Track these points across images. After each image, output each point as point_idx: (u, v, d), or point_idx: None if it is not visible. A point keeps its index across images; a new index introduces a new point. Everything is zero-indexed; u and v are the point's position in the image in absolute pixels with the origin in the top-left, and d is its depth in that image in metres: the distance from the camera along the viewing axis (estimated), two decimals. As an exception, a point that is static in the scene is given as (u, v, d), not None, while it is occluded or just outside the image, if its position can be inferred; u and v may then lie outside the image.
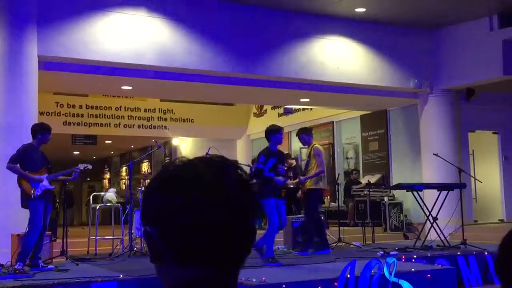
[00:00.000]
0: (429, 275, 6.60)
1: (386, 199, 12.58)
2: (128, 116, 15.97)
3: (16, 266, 6.63)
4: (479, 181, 11.24)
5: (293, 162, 11.72)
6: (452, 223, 9.47)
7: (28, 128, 7.40)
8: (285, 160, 13.08)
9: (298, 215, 10.10)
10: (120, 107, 15.89)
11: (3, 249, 7.61)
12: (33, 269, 6.78)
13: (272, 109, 16.89)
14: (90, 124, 15.57)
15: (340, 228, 10.10)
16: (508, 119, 13.52)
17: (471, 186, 12.13)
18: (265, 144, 7.96)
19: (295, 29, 10.87)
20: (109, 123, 15.78)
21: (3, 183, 7.83)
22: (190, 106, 16.30)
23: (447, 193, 9.32)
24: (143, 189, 8.74)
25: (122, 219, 9.65)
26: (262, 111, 17.35)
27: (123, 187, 21.36)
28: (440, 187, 9.58)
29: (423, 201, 9.34)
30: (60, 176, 7.54)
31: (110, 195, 11.41)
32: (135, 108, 16.05)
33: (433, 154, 10.26)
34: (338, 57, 11.29)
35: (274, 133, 7.67)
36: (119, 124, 15.90)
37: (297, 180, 9.46)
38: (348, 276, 5.98)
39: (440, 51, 12.10)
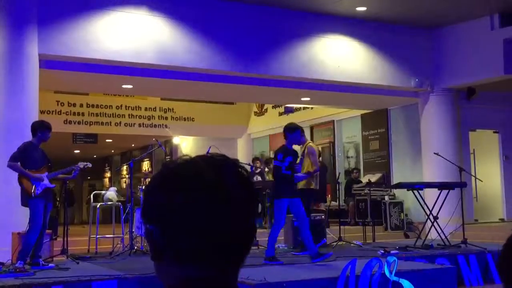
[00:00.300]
0: (429, 274, 6.60)
1: (386, 198, 12.58)
2: (129, 114, 15.97)
3: (16, 265, 6.63)
4: (480, 180, 11.24)
5: None
6: (452, 222, 9.46)
7: (29, 127, 7.40)
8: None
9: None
10: (121, 105, 15.89)
11: (3, 247, 7.61)
12: (34, 268, 6.77)
13: (272, 108, 16.89)
14: (91, 123, 15.57)
15: (341, 227, 10.09)
16: (509, 118, 13.52)
17: (472, 185, 12.12)
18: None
19: (296, 27, 10.86)
20: (110, 122, 15.79)
21: (3, 182, 7.84)
22: (191, 105, 16.30)
23: (448, 192, 9.31)
24: (143, 187, 8.75)
25: (123, 217, 9.65)
26: (263, 110, 17.35)
27: (124, 185, 21.37)
28: (440, 186, 9.57)
29: (423, 200, 9.33)
30: (60, 174, 7.53)
31: (111, 193, 11.41)
32: (135, 106, 16.05)
33: (434, 153, 10.26)
34: (339, 56, 11.29)
35: (290, 132, 7.54)
36: (120, 122, 15.90)
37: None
38: (349, 275, 5.98)
39: (441, 50, 12.10)
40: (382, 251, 8.29)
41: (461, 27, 11.75)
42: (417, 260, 7.74)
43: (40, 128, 7.17)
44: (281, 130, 7.72)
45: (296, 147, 7.89)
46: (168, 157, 17.64)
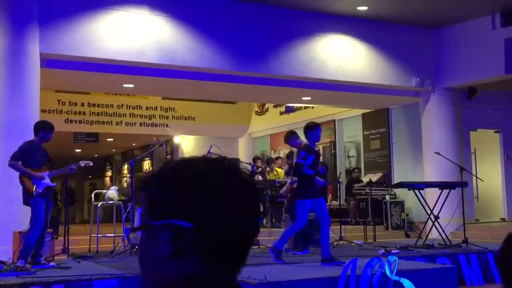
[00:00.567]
0: (430, 274, 6.60)
1: (387, 197, 12.58)
2: (130, 114, 15.98)
3: (17, 264, 6.63)
4: (481, 179, 11.23)
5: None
6: (453, 222, 9.46)
7: (30, 126, 7.40)
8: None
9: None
10: (122, 105, 15.90)
11: (5, 246, 7.62)
12: (35, 267, 6.78)
13: (273, 107, 16.89)
14: (92, 122, 15.58)
15: (342, 226, 10.10)
16: (510, 118, 13.51)
17: (473, 184, 12.12)
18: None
19: (297, 27, 10.86)
20: (111, 121, 15.80)
21: (5, 181, 7.85)
22: (192, 104, 16.30)
23: (449, 192, 9.31)
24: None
25: (124, 216, 9.66)
26: (264, 109, 17.35)
27: (125, 185, 21.38)
28: (441, 185, 9.57)
29: (424, 200, 9.33)
30: (61, 173, 7.54)
31: (112, 193, 11.40)
32: (137, 106, 16.06)
33: (435, 152, 10.26)
34: (340, 55, 11.28)
35: (310, 130, 7.43)
36: (121, 122, 15.91)
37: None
38: (349, 274, 5.98)
39: (442, 49, 12.09)
40: (383, 251, 8.29)
41: (463, 26, 11.74)
42: (418, 259, 7.74)
43: (43, 128, 7.18)
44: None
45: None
46: (169, 156, 17.65)
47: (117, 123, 15.88)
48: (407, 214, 12.53)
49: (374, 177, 13.10)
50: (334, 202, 13.08)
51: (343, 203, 13.29)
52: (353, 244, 9.79)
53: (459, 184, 9.62)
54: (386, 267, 6.06)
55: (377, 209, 12.18)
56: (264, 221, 12.37)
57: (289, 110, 16.26)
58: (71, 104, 15.25)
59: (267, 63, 10.60)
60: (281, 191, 9.61)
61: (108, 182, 24.68)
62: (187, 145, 18.40)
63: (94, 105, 15.59)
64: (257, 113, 17.70)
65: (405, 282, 6.06)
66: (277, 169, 13.28)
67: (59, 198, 11.53)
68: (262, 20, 10.61)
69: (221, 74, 10.53)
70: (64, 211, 9.05)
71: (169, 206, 1.03)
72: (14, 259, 7.04)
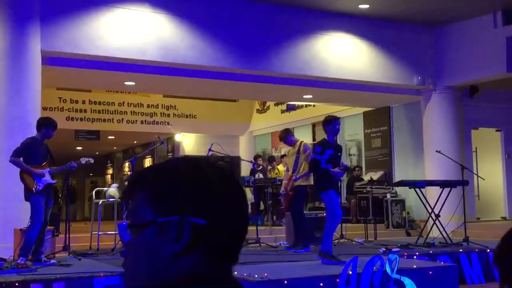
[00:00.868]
0: (431, 272, 6.60)
1: (388, 196, 12.58)
2: (131, 111, 15.98)
3: (18, 261, 6.64)
4: (482, 178, 11.22)
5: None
6: (454, 220, 9.46)
7: (31, 123, 7.41)
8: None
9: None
10: (123, 102, 15.90)
11: (6, 243, 7.63)
12: (36, 264, 6.79)
13: (275, 105, 16.88)
14: (93, 120, 15.59)
15: (343, 224, 10.09)
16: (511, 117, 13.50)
17: (474, 183, 12.11)
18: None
19: (299, 25, 10.85)
20: (112, 119, 15.80)
21: (6, 177, 7.85)
22: (193, 102, 16.30)
23: (450, 190, 9.31)
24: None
25: (125, 214, 9.66)
26: (265, 107, 17.34)
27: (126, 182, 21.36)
28: (442, 184, 9.57)
29: (425, 198, 9.32)
30: (62, 170, 7.54)
31: (113, 190, 11.40)
32: (138, 103, 16.06)
33: (436, 151, 10.24)
34: (341, 53, 11.27)
35: (327, 124, 7.32)
36: (122, 119, 15.92)
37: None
38: (350, 272, 5.98)
39: (444, 48, 12.08)
40: (384, 249, 8.29)
41: (464, 24, 11.72)
42: (419, 258, 7.74)
43: (45, 125, 7.18)
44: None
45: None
46: (170, 154, 17.65)
47: (118, 121, 15.89)
48: (408, 213, 12.52)
49: (375, 176, 13.10)
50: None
51: (344, 201, 13.29)
52: (354, 242, 9.79)
53: (460, 182, 9.61)
54: (387, 266, 6.06)
55: (378, 208, 12.17)
56: (265, 219, 12.38)
57: (290, 108, 16.25)
58: (72, 101, 15.25)
59: (268, 61, 10.59)
60: (281, 191, 9.52)
61: (109, 179, 24.68)
62: (188, 143, 18.40)
63: (95, 102, 15.59)
64: (258, 111, 17.70)
65: (406, 280, 6.06)
66: (278, 167, 13.28)
67: (60, 196, 11.52)
68: (264, 18, 10.60)
69: (222, 72, 10.53)
70: (65, 208, 9.04)
71: (177, 202, 1.02)
72: (14, 257, 7.05)
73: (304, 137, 14.72)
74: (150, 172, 1.09)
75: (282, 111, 16.66)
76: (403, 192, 12.40)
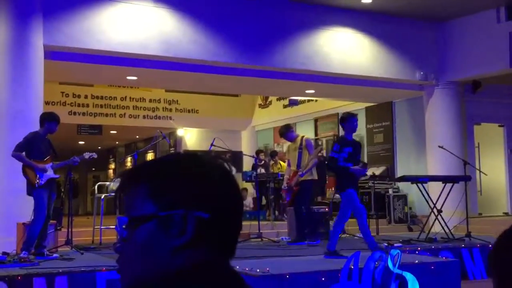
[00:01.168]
0: (433, 267, 6.60)
1: (390, 191, 12.57)
2: (133, 106, 15.99)
3: (21, 255, 6.67)
4: (484, 173, 11.21)
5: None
6: (456, 216, 9.45)
7: (34, 118, 7.41)
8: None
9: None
10: (125, 97, 15.90)
11: (9, 237, 7.65)
12: (38, 258, 6.81)
13: (277, 100, 16.87)
14: (95, 114, 15.60)
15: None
16: (514, 112, 13.47)
17: (476, 178, 12.10)
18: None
19: (301, 20, 10.83)
20: (114, 113, 15.81)
21: (9, 172, 7.87)
22: (195, 96, 16.30)
23: (452, 186, 9.30)
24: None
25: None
26: (267, 102, 17.33)
27: (128, 177, 21.36)
28: (445, 179, 9.55)
29: (427, 194, 9.31)
30: (64, 165, 7.55)
31: (115, 184, 11.42)
32: (140, 98, 16.06)
33: (438, 146, 10.23)
34: (344, 48, 11.25)
35: (344, 122, 7.22)
36: (124, 114, 15.93)
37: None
38: (352, 267, 5.98)
39: (446, 43, 12.05)
40: (386, 244, 8.29)
41: (467, 20, 11.69)
42: (421, 253, 7.75)
43: (48, 119, 7.18)
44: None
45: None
46: (172, 149, 17.66)
47: (121, 116, 15.90)
48: (410, 208, 12.52)
49: (377, 171, 13.09)
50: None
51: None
52: (355, 237, 9.80)
53: (463, 178, 9.60)
54: (389, 261, 6.07)
55: (380, 203, 12.17)
56: (267, 213, 12.39)
57: (293, 103, 16.23)
58: (74, 96, 15.26)
59: (271, 56, 10.58)
60: (283, 186, 9.50)
61: (112, 174, 24.72)
62: (191, 137, 18.41)
63: (97, 97, 15.59)
64: (260, 106, 17.69)
65: (408, 275, 6.06)
66: (280, 162, 13.28)
67: (62, 190, 11.55)
68: (266, 13, 10.58)
69: (224, 66, 10.52)
70: (67, 202, 9.06)
71: (179, 196, 1.02)
72: (17, 251, 7.07)
73: (307, 132, 14.71)
74: (151, 165, 1.08)
75: (285, 106, 16.64)
76: (405, 187, 12.40)
